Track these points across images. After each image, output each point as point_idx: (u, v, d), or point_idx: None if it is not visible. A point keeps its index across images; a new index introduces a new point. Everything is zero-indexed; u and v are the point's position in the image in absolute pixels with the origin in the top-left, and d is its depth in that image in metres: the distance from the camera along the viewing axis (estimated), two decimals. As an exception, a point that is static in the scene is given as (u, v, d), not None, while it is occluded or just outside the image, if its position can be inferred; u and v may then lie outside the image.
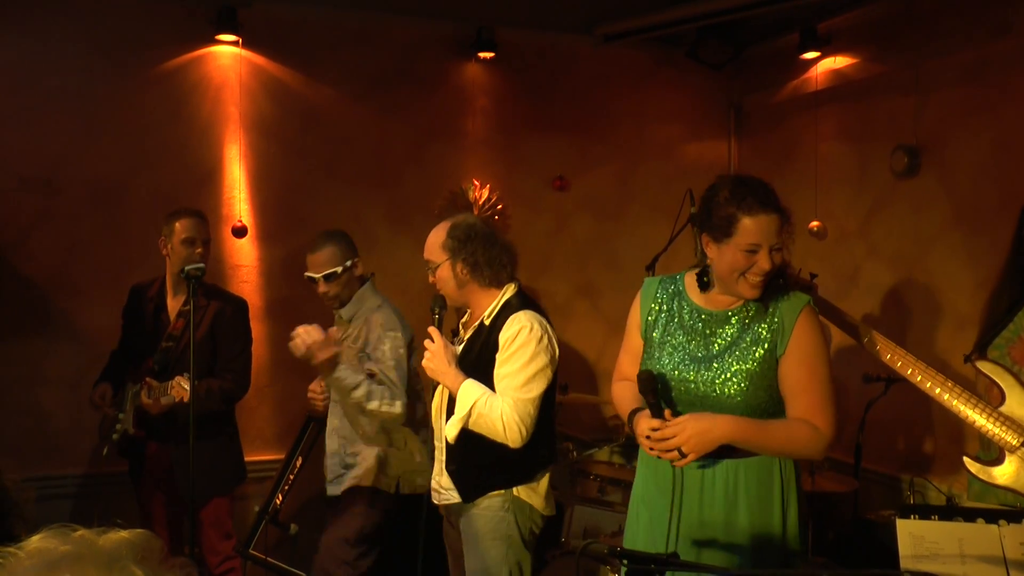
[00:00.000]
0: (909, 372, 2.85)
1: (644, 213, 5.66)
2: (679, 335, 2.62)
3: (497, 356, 3.05)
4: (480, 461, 3.08)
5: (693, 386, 2.55)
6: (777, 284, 2.53)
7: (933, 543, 2.10)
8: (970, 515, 2.14)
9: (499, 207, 5.39)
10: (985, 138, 4.33)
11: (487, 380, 3.05)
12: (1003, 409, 2.77)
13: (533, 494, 3.14)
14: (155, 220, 4.55)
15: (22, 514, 1.67)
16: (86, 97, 4.61)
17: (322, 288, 3.79)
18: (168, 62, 4.76)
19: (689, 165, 5.79)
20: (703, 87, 5.83)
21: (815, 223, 5.17)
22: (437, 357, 3.07)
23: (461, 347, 3.20)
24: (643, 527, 2.69)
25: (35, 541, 0.96)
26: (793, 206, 5.58)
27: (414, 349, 3.81)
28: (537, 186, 5.53)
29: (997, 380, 2.82)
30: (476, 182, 5.37)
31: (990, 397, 2.84)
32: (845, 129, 5.14)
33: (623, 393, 2.78)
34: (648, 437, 2.47)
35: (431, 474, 3.42)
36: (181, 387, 3.69)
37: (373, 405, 3.59)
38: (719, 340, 2.56)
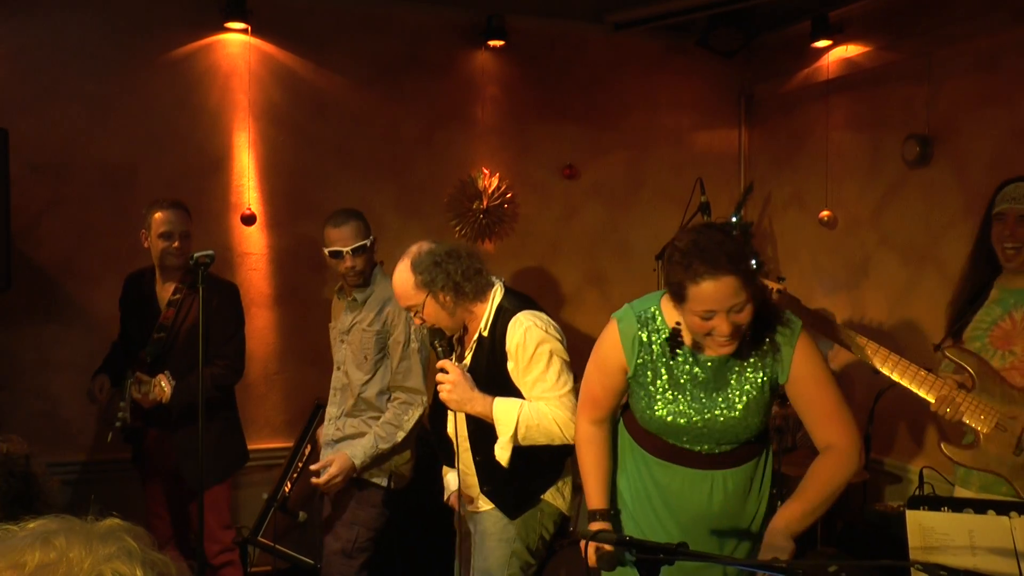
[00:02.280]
0: (876, 359, 2.90)
1: (654, 201, 5.65)
2: (672, 377, 2.56)
3: (510, 366, 2.94)
4: (512, 476, 2.97)
5: (695, 422, 2.54)
6: (766, 315, 2.48)
7: (943, 535, 2.10)
8: (980, 507, 2.13)
9: (508, 195, 5.38)
10: (998, 127, 4.30)
11: (501, 390, 2.94)
12: (974, 394, 2.83)
13: (559, 496, 3.07)
14: (164, 207, 4.57)
15: (48, 500, 1.70)
16: (96, 84, 4.61)
17: (348, 263, 3.65)
18: (177, 50, 4.75)
19: (699, 153, 5.77)
20: (714, 75, 5.81)
21: (825, 212, 5.15)
22: (459, 387, 2.92)
23: (466, 362, 3.07)
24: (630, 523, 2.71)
25: (32, 522, 1.00)
26: (803, 195, 5.62)
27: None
28: (547, 174, 5.52)
29: (967, 366, 2.88)
30: (486, 170, 5.35)
31: (963, 380, 2.89)
32: (856, 118, 5.11)
33: (591, 455, 2.70)
34: None
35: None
36: (161, 388, 3.69)
37: (386, 447, 3.61)
38: (712, 374, 2.53)
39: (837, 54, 5.11)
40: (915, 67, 4.67)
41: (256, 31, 4.85)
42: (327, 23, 5.03)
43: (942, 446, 2.98)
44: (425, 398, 3.60)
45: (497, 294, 3.05)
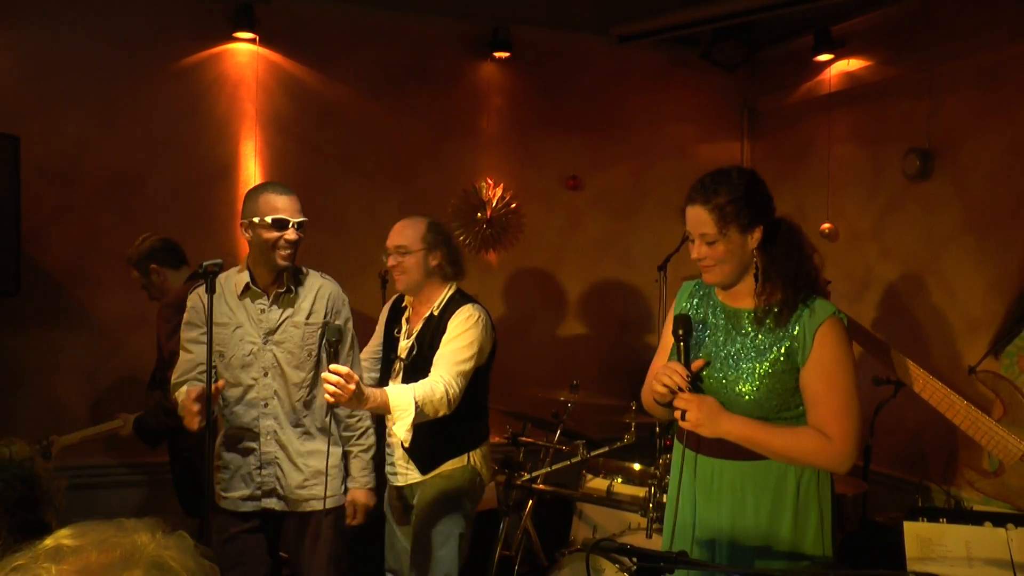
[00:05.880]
0: (922, 388, 2.84)
1: (657, 212, 5.66)
2: (703, 333, 2.61)
3: (444, 337, 3.33)
4: (431, 437, 3.31)
5: (709, 382, 2.54)
6: (798, 287, 2.48)
7: (940, 546, 2.11)
8: (977, 518, 2.15)
9: (512, 205, 5.42)
10: (999, 141, 4.33)
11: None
12: (1004, 421, 2.78)
13: (484, 465, 3.49)
14: (171, 214, 4.61)
15: (54, 503, 1.71)
16: (104, 91, 4.65)
17: (294, 236, 3.11)
18: (186, 59, 4.80)
19: (702, 165, 5.69)
20: (717, 88, 5.84)
21: (827, 225, 5.17)
22: (354, 387, 2.76)
23: (412, 339, 3.46)
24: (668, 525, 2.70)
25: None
26: (805, 207, 5.64)
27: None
28: (551, 185, 5.55)
29: (999, 392, 2.83)
30: (490, 180, 5.39)
31: (993, 408, 2.84)
32: (858, 131, 5.14)
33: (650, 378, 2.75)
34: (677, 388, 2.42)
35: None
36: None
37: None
38: (736, 339, 2.54)
39: (839, 68, 5.15)
40: (916, 82, 4.71)
41: (264, 41, 4.90)
42: (334, 33, 5.07)
43: (965, 471, 2.92)
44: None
45: (453, 287, 3.52)
